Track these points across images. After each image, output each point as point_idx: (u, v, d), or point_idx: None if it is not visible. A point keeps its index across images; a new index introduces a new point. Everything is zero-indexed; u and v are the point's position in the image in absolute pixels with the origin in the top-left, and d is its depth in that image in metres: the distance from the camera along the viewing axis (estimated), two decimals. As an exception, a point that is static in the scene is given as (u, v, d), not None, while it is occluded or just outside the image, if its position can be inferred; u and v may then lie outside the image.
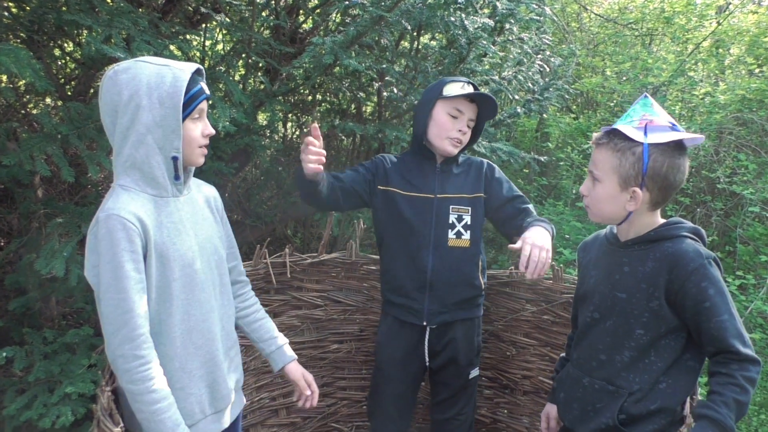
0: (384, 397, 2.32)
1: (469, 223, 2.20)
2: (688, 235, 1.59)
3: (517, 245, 1.80)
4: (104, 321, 1.43)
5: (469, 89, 2.15)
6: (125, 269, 1.41)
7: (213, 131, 1.62)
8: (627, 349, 1.61)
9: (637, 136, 1.53)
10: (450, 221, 2.19)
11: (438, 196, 2.19)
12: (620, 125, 1.57)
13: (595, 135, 1.65)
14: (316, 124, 1.88)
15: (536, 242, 1.79)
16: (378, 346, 2.35)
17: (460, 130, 2.15)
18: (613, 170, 1.56)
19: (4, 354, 2.35)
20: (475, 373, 2.32)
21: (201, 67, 1.57)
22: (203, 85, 1.56)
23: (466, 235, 2.20)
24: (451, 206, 2.19)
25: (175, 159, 1.51)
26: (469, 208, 2.20)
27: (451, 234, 2.18)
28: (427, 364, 2.27)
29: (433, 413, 2.39)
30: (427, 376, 2.39)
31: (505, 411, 2.65)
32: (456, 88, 2.15)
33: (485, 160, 2.30)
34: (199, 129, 1.57)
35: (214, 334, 1.63)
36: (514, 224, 2.12)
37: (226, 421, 1.71)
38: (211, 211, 1.71)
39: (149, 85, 1.46)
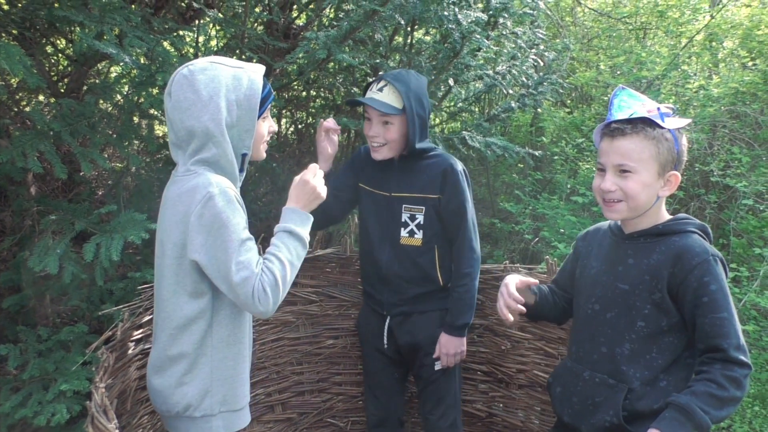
0: (366, 376, 2.44)
1: (422, 222, 2.20)
2: (695, 231, 1.60)
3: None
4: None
5: (373, 92, 2.12)
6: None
7: (276, 128, 1.75)
8: (628, 342, 1.61)
9: (660, 122, 1.56)
10: (403, 219, 2.22)
11: (393, 194, 2.22)
12: (625, 116, 1.57)
13: (606, 127, 1.60)
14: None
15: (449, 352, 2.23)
16: (357, 326, 2.51)
17: (370, 136, 2.16)
18: (653, 158, 1.55)
19: (-1, 352, 2.36)
20: (440, 365, 2.30)
21: (264, 67, 1.66)
22: (269, 86, 1.66)
23: (419, 234, 2.21)
24: (404, 205, 2.21)
25: (244, 155, 1.63)
26: (423, 208, 2.20)
27: (403, 232, 2.22)
28: (385, 347, 2.33)
29: (419, 407, 2.45)
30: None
31: (501, 405, 2.66)
32: (368, 92, 2.15)
33: (453, 163, 2.19)
34: (266, 127, 1.70)
35: None
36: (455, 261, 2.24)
37: None
38: None
39: (227, 87, 1.54)
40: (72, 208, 2.57)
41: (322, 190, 1.71)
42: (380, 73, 3.43)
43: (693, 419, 1.40)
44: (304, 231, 1.64)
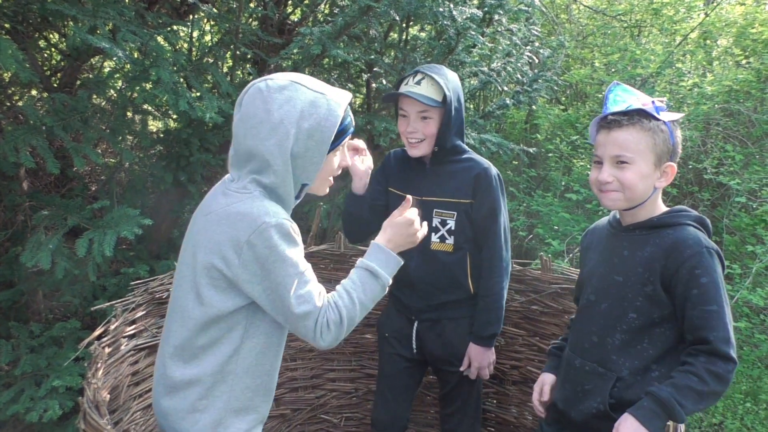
0: (380, 378, 2.35)
1: (453, 228, 2.12)
2: (691, 224, 1.60)
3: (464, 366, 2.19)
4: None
5: (410, 86, 2.04)
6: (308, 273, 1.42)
7: (349, 163, 1.60)
8: (618, 332, 1.62)
9: (655, 114, 1.57)
10: (434, 224, 2.13)
11: (423, 198, 2.12)
12: (621, 110, 1.59)
13: (603, 120, 1.62)
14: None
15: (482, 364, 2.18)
16: (378, 325, 2.40)
17: (408, 132, 2.07)
18: (649, 149, 1.57)
19: (-10, 348, 2.35)
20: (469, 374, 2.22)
21: (351, 95, 1.53)
22: (351, 116, 1.52)
23: (450, 240, 2.13)
24: (435, 209, 2.13)
25: (304, 185, 1.50)
26: (455, 213, 2.12)
27: (434, 237, 2.13)
28: (414, 351, 2.26)
29: (439, 407, 2.41)
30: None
31: (494, 401, 2.66)
32: (402, 86, 2.07)
33: (487, 167, 2.12)
34: (337, 162, 1.55)
35: None
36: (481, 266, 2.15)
37: None
38: None
39: (302, 113, 1.39)
40: (65, 204, 2.56)
41: (421, 235, 1.61)
42: (375, 69, 3.43)
43: (670, 413, 1.44)
44: (388, 275, 1.52)
